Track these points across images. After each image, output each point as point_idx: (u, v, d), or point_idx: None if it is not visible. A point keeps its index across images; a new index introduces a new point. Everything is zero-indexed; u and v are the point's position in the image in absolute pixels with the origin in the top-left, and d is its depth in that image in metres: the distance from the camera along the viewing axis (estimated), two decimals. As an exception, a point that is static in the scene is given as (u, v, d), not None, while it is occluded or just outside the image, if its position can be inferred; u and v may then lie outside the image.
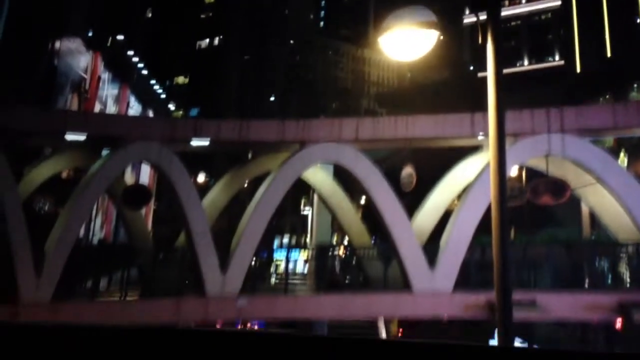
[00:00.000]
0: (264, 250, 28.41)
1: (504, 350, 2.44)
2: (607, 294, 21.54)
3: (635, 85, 51.03)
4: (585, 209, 29.56)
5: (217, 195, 28.23)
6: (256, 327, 62.63)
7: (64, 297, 20.00)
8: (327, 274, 23.61)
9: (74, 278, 21.15)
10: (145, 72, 49.52)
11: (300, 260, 37.30)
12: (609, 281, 23.47)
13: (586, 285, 22.88)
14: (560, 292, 21.73)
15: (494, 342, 36.18)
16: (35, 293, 19.37)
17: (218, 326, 58.83)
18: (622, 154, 37.53)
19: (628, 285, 22.90)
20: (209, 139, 23.84)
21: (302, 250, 37.19)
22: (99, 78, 41.44)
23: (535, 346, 31.40)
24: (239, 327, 61.23)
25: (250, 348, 2.22)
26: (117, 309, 21.17)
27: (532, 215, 34.15)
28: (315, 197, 30.00)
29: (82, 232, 28.74)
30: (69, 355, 2.21)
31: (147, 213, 39.42)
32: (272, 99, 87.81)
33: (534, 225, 33.60)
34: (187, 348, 2.19)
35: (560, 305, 21.33)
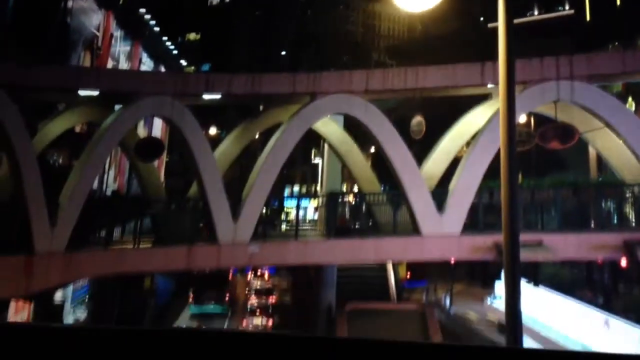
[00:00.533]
0: (275, 199, 28.46)
1: (506, 351, 2.35)
2: (613, 234, 21.52)
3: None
4: (592, 153, 29.35)
5: (228, 147, 28.15)
6: (267, 272, 62.50)
7: (78, 246, 20.10)
8: (337, 220, 23.61)
9: (88, 228, 21.24)
10: (157, 29, 49.11)
11: (310, 208, 37.19)
12: (615, 221, 23.45)
13: (592, 226, 22.82)
14: (566, 233, 21.69)
15: (500, 282, 36.32)
16: (50, 243, 19.49)
17: (231, 272, 58.20)
18: (630, 99, 36.98)
19: (633, 224, 22.84)
20: (220, 93, 23.72)
21: (313, 198, 37.01)
22: (111, 36, 41.10)
23: (541, 287, 31.57)
24: (250, 272, 60.61)
25: (250, 349, 2.16)
26: (131, 256, 21.28)
27: (540, 160, 33.93)
28: (326, 147, 29.86)
29: (95, 184, 28.80)
30: (66, 357, 2.13)
31: (160, 165, 39.47)
32: (283, 53, 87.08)
33: (541, 169, 33.38)
34: (186, 349, 2.12)
35: (566, 246, 21.35)
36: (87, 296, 38.53)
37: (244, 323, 45.49)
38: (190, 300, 53.28)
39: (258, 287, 57.83)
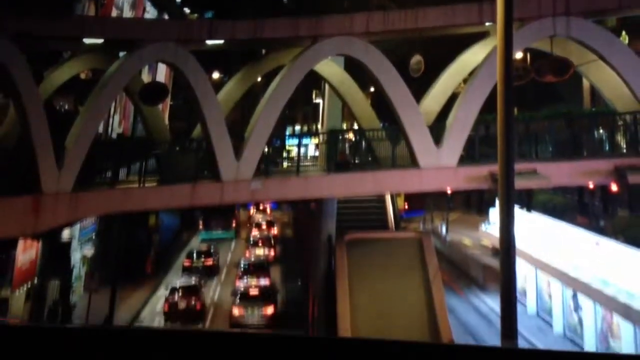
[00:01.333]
0: (277, 138, 28.45)
1: (506, 351, 2.28)
2: (604, 160, 21.65)
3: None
4: (586, 85, 29.28)
5: (231, 90, 28.00)
6: (268, 207, 64.09)
7: (84, 187, 20.14)
8: (337, 156, 23.59)
9: (94, 170, 21.30)
10: (160, -23, 48.32)
11: (311, 146, 37.20)
12: (607, 149, 23.60)
13: (585, 154, 22.93)
14: (560, 161, 21.78)
15: (494, 210, 36.54)
16: (57, 184, 19.50)
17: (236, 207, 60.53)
18: (623, 32, 36.54)
19: (624, 151, 22.95)
20: (223, 39, 23.51)
21: (314, 137, 36.97)
22: (115, -15, 40.39)
23: (533, 212, 31.77)
24: (252, 207, 62.18)
25: (249, 349, 2.07)
26: (136, 194, 21.31)
27: (536, 93, 33.78)
28: (327, 87, 29.70)
29: (101, 128, 28.74)
30: (63, 357, 2.05)
31: (164, 109, 39.31)
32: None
33: (537, 102, 33.28)
34: (184, 349, 2.03)
35: (559, 173, 21.53)
36: (93, 234, 39.15)
37: (247, 254, 46.54)
38: (200, 227, 55.27)
39: (260, 220, 59.40)
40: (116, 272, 34.58)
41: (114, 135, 36.92)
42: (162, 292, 40.22)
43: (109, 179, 21.67)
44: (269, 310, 33.00)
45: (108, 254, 39.61)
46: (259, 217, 61.60)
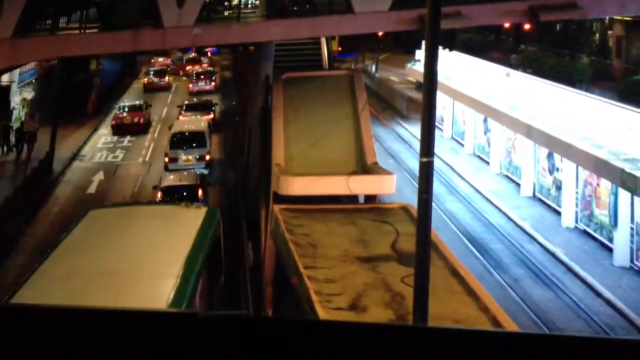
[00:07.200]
0: None
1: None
2: (520, 2, 21.99)
3: None
4: None
5: None
6: (209, 54, 65.58)
7: (23, 34, 19.04)
8: (276, 3, 22.88)
9: (34, 18, 20.06)
10: None
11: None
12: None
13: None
14: (481, 3, 22.00)
15: (420, 50, 36.96)
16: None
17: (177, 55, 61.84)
18: None
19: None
20: None
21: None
22: None
23: (454, 52, 32.43)
24: (193, 52, 63.95)
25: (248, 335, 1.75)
26: (77, 40, 20.34)
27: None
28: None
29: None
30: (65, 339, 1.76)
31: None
32: None
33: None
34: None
35: (480, 14, 21.83)
36: (33, 78, 38.16)
37: (190, 86, 51.07)
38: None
39: (200, 58, 61.98)
40: (56, 113, 33.84)
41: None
42: (103, 131, 40.28)
43: (50, 26, 20.45)
44: (209, 116, 38.67)
45: (47, 96, 38.57)
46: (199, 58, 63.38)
